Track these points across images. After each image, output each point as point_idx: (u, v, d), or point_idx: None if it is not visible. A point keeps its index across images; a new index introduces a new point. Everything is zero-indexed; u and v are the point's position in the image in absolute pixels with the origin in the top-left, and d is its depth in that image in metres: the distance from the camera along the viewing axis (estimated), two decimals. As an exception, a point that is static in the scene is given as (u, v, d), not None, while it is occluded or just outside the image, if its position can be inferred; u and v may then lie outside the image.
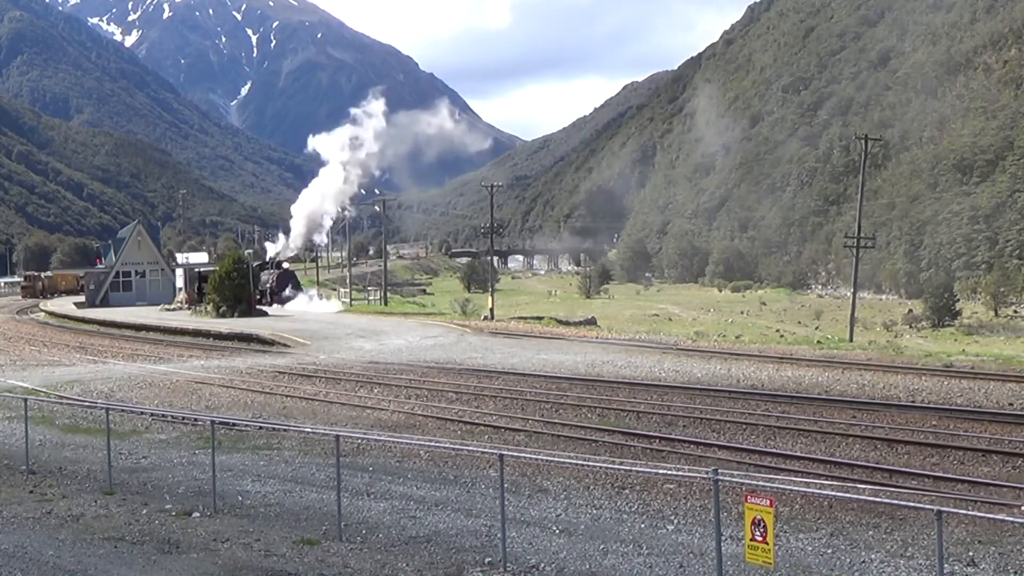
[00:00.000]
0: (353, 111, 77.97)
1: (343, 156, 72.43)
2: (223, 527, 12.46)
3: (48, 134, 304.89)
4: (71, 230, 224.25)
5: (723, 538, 9.51)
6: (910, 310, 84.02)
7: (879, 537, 11.78)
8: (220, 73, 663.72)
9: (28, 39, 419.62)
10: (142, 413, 22.30)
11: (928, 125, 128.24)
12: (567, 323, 54.59)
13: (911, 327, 73.07)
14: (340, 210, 78.31)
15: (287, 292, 68.19)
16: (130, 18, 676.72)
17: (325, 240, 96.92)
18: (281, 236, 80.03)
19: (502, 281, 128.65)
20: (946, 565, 8.93)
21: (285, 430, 19.58)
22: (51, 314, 66.63)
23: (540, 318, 56.96)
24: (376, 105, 75.64)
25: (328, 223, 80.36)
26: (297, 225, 75.80)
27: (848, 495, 11.58)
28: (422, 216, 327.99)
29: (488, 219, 77.25)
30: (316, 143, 77.32)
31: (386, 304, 72.78)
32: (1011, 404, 21.59)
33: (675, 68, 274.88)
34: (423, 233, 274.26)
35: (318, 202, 74.10)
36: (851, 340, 45.36)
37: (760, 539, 8.44)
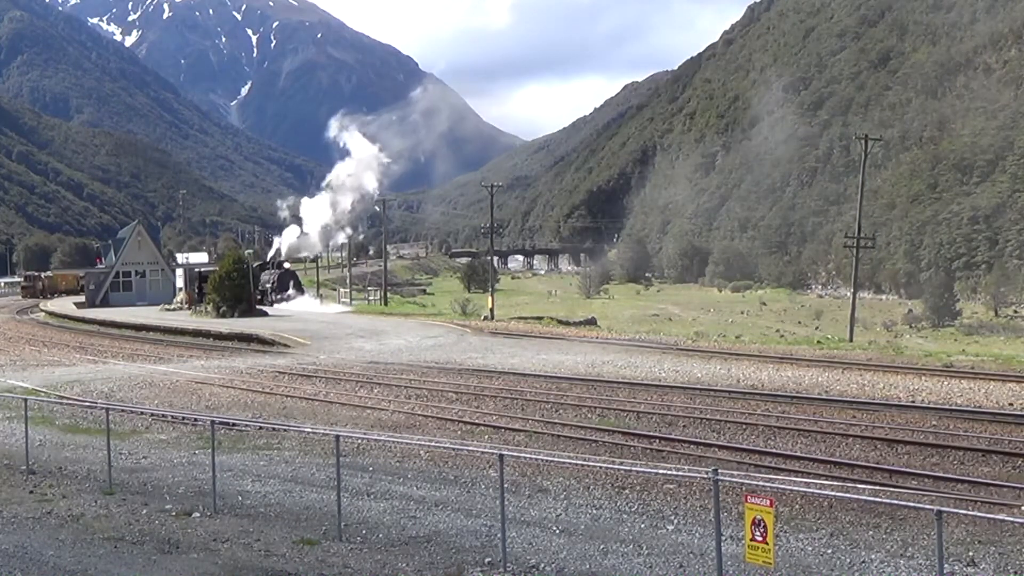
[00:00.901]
0: (412, 92, 76.52)
1: (387, 133, 69.96)
2: (223, 527, 12.45)
3: (48, 134, 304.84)
4: (71, 230, 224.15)
5: (723, 538, 9.51)
6: (910, 310, 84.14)
7: (879, 537, 11.77)
8: (220, 73, 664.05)
9: (28, 39, 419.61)
10: (142, 413, 22.28)
11: (928, 125, 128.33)
12: (567, 323, 54.55)
13: (911, 327, 73.15)
14: (383, 182, 73.46)
15: (287, 292, 68.14)
16: (130, 18, 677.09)
17: (361, 233, 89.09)
18: (323, 201, 72.13)
19: (502, 281, 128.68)
20: (946, 565, 8.92)
21: (285, 430, 19.57)
22: (51, 314, 66.56)
23: (540, 318, 56.93)
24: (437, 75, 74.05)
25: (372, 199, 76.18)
26: (343, 196, 70.32)
27: (848, 495, 11.58)
28: (422, 216, 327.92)
29: (488, 219, 77.17)
30: (342, 123, 75.60)
31: (386, 304, 72.69)
32: (1011, 404, 21.56)
33: (675, 68, 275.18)
34: (423, 233, 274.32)
35: (354, 176, 70.54)
36: (851, 340, 45.34)
37: (760, 539, 8.44)
